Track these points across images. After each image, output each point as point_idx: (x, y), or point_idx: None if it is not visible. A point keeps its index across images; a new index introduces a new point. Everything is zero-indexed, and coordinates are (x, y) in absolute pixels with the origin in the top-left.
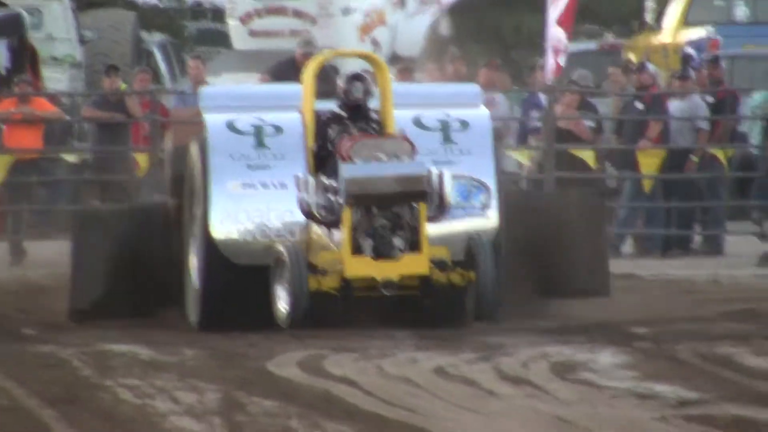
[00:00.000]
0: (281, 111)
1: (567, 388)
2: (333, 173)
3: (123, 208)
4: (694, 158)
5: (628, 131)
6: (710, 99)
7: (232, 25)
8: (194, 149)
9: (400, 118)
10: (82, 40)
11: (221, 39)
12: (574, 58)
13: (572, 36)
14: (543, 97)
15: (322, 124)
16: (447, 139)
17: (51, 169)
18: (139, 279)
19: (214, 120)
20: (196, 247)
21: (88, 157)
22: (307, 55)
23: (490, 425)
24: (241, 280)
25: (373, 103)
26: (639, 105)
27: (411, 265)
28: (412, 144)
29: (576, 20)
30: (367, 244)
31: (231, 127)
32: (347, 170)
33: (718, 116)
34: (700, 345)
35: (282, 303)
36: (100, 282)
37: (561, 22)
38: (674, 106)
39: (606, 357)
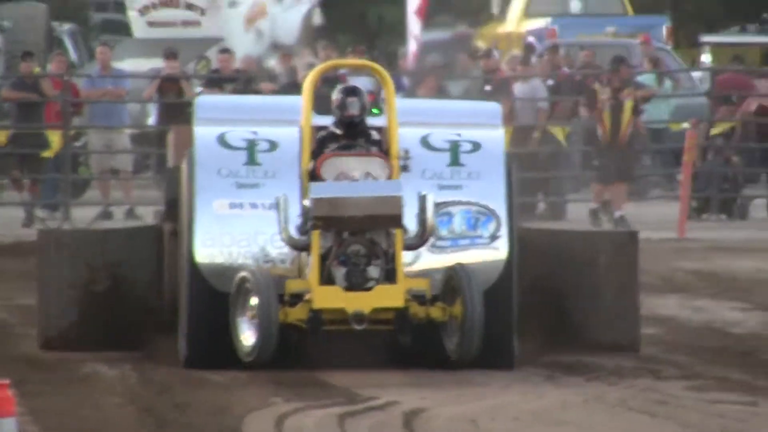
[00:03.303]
0: (280, 125)
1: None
2: None
3: (100, 231)
4: (536, 134)
5: None
6: (550, 82)
7: (132, 15)
8: (184, 165)
9: (407, 136)
10: (2, 29)
11: (123, 28)
12: (430, 46)
13: (428, 25)
14: (406, 80)
15: (318, 142)
16: (455, 161)
17: None
18: (118, 307)
19: (204, 133)
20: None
21: (9, 133)
22: None
23: None
24: (227, 311)
25: (380, 121)
26: (487, 87)
27: (385, 297)
28: (390, 164)
29: (431, 11)
30: (339, 272)
31: (222, 141)
32: (315, 190)
33: (557, 96)
34: None
35: (245, 335)
36: (71, 310)
37: (417, 13)
38: (518, 88)
39: None
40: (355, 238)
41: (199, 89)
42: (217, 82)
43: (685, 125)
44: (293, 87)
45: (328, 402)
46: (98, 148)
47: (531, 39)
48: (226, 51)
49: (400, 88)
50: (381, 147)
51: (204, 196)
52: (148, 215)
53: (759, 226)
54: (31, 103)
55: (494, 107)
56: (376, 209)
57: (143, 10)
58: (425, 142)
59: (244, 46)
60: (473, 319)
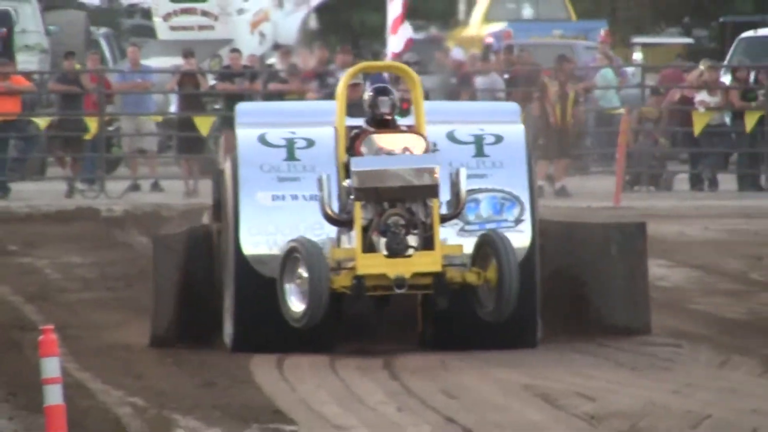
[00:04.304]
0: (315, 126)
1: None
2: None
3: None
4: None
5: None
6: (506, 75)
7: (157, 21)
8: (227, 165)
9: (433, 133)
10: (47, 33)
11: (149, 32)
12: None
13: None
14: (386, 75)
15: (351, 140)
16: (480, 152)
17: (25, 128)
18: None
19: (245, 134)
20: (228, 262)
21: (54, 119)
22: (355, 87)
23: None
24: (273, 295)
25: (408, 120)
26: (453, 80)
27: (424, 262)
28: (426, 139)
29: (407, 16)
30: (380, 241)
31: (262, 140)
32: (356, 164)
33: (512, 88)
34: None
35: (294, 301)
36: (177, 308)
37: (395, 22)
38: (479, 81)
39: None
40: (395, 209)
41: (212, 82)
42: (227, 76)
43: (621, 111)
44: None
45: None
46: (128, 131)
47: (490, 40)
48: (235, 50)
49: (381, 81)
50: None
51: (248, 190)
52: (170, 188)
53: (681, 196)
54: (72, 95)
55: (514, 107)
56: (415, 180)
57: (166, 17)
58: (451, 137)
59: (250, 46)
60: (511, 280)
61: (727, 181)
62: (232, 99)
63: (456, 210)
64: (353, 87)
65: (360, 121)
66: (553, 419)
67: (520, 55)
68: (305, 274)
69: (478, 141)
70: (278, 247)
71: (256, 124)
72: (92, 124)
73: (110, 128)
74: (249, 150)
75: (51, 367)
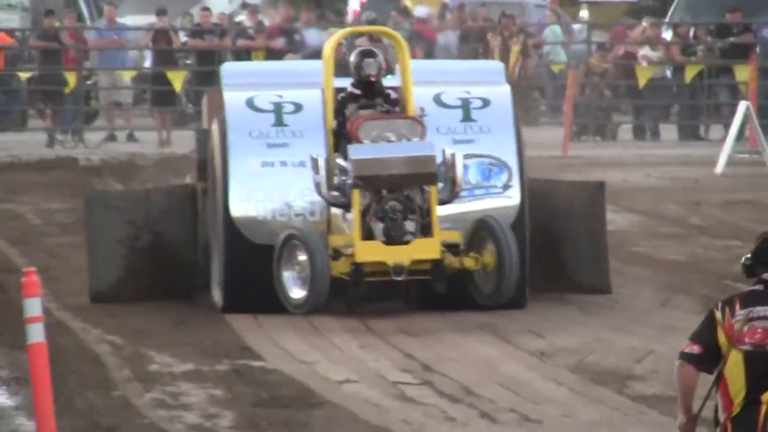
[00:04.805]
0: (302, 88)
1: None
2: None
3: (139, 192)
4: None
5: None
6: (458, 32)
7: None
8: (215, 128)
9: (420, 95)
10: None
11: None
12: (367, 4)
13: None
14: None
15: (338, 102)
16: (467, 117)
17: (9, 81)
18: (160, 262)
19: (233, 98)
20: (217, 228)
21: (35, 74)
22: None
23: None
24: (262, 261)
25: (395, 81)
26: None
27: (422, 249)
28: (422, 124)
29: None
30: (378, 227)
31: (250, 104)
32: (355, 151)
33: (465, 44)
34: None
35: (293, 288)
36: (117, 265)
37: None
38: (439, 38)
39: None
40: (392, 195)
41: (184, 39)
42: (198, 33)
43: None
44: (316, 56)
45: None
46: (105, 85)
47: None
48: (205, 9)
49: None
50: (398, 105)
51: (237, 156)
52: (144, 139)
53: (625, 145)
54: (52, 50)
55: (497, 66)
56: (414, 168)
57: None
58: (438, 100)
59: (219, 5)
60: (511, 265)
61: (668, 131)
62: (203, 55)
63: (452, 194)
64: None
65: (346, 83)
66: (506, 355)
67: (474, 12)
68: (305, 261)
69: (465, 105)
70: (268, 213)
71: (242, 86)
72: (71, 78)
73: (88, 82)
74: (237, 115)
75: (33, 307)
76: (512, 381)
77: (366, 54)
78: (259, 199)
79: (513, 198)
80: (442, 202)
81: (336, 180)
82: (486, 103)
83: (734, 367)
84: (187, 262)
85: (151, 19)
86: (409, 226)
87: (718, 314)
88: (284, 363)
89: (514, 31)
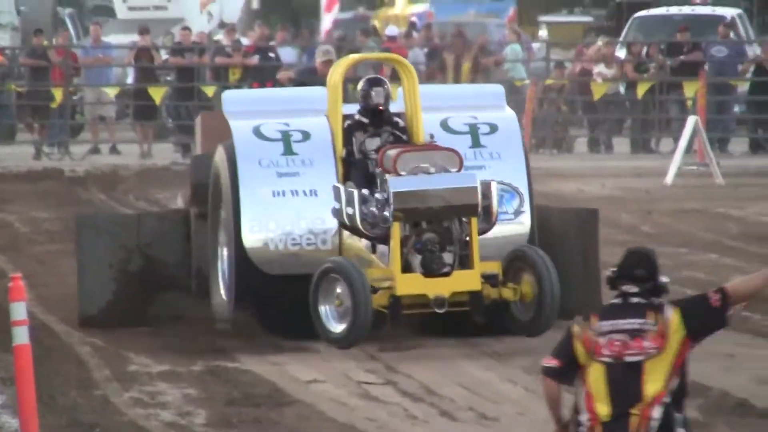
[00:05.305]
0: (306, 116)
1: None
2: (364, 182)
3: (131, 216)
4: None
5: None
6: (425, 50)
7: (116, 1)
8: (220, 155)
9: (427, 121)
10: (18, 12)
11: (109, 11)
12: (338, 24)
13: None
14: None
15: (345, 131)
16: (476, 143)
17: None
18: (152, 286)
19: (239, 126)
20: (227, 256)
21: (24, 90)
22: (327, 63)
23: None
24: (271, 289)
25: (397, 106)
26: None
27: (463, 281)
28: (460, 156)
29: None
30: (416, 259)
31: (257, 133)
32: (395, 184)
33: (431, 62)
34: None
35: (332, 322)
36: (108, 289)
37: (327, 9)
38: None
39: None
40: (431, 226)
41: (165, 56)
42: (179, 51)
43: (527, 82)
44: (310, 72)
45: None
46: (91, 100)
47: (414, 19)
48: (186, 28)
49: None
50: (406, 133)
51: (248, 186)
52: (127, 151)
53: (581, 157)
54: (41, 67)
55: (498, 89)
56: (455, 199)
57: None
58: (446, 126)
59: (199, 24)
60: (553, 296)
61: (621, 144)
62: (183, 71)
63: (489, 224)
64: (325, 63)
65: (352, 109)
66: (465, 356)
67: (442, 31)
68: (343, 294)
69: (473, 130)
70: (281, 243)
71: (245, 114)
72: (58, 94)
73: (74, 97)
74: (245, 143)
75: (19, 310)
76: (471, 381)
77: (374, 83)
78: (272, 228)
79: (524, 224)
80: (479, 232)
81: (365, 211)
82: (494, 128)
83: (596, 379)
84: (179, 287)
85: (134, 37)
86: (448, 258)
87: (576, 328)
88: (256, 364)
89: (463, 49)
